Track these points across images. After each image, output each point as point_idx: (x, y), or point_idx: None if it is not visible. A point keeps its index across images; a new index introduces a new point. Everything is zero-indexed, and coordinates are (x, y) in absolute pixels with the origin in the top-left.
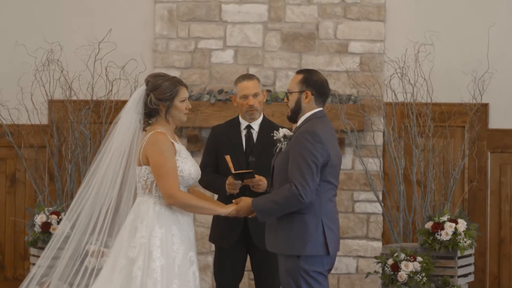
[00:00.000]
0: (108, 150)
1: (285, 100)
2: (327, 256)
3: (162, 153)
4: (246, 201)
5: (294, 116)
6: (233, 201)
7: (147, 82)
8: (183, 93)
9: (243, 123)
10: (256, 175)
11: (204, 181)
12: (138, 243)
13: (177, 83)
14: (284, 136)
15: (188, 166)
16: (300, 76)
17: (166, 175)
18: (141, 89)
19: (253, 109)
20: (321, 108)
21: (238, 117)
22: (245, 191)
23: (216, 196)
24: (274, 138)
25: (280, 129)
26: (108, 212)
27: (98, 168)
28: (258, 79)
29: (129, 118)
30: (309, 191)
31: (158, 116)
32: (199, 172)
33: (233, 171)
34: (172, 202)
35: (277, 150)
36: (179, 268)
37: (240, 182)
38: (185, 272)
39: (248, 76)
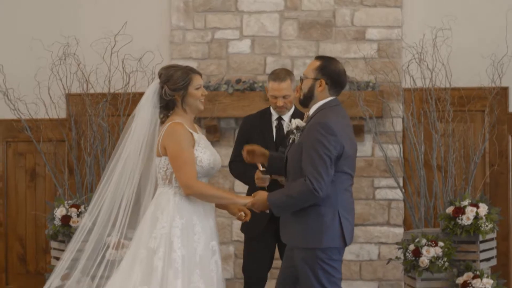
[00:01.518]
0: (126, 144)
1: (298, 85)
2: (340, 248)
3: (179, 143)
4: (261, 195)
5: (305, 101)
6: (252, 194)
7: (160, 74)
8: (197, 80)
9: (274, 114)
10: None
11: (235, 172)
12: (159, 234)
13: (189, 71)
14: (297, 128)
15: (207, 156)
16: (317, 63)
17: (184, 166)
18: (155, 82)
19: (282, 108)
20: (334, 97)
21: (269, 108)
22: (275, 185)
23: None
24: (286, 130)
25: (293, 120)
26: (128, 204)
27: (117, 163)
28: (291, 78)
29: (146, 111)
30: (323, 185)
31: (175, 108)
32: (220, 161)
33: (260, 169)
34: (190, 192)
35: (290, 142)
36: (201, 258)
37: (268, 176)
38: (207, 262)
39: (280, 77)
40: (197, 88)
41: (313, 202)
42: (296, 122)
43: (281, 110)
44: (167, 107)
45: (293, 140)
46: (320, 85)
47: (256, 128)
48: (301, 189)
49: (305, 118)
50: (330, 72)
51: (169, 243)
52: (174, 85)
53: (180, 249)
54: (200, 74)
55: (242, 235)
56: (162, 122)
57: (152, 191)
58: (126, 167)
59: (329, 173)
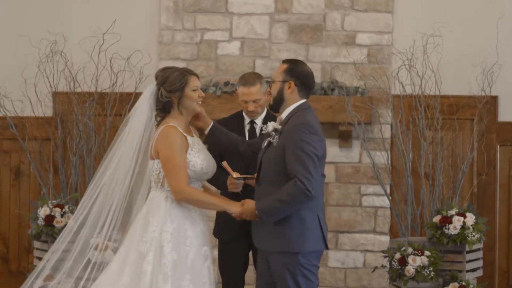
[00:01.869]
0: (120, 146)
1: (267, 89)
2: (321, 252)
3: (171, 147)
4: (249, 204)
5: (275, 105)
6: (241, 202)
7: (157, 76)
8: (193, 82)
9: (247, 118)
10: None
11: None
12: (149, 238)
13: (186, 72)
14: (275, 130)
15: (200, 160)
16: (285, 66)
17: (174, 170)
18: (152, 85)
19: (253, 113)
20: (305, 100)
21: (241, 111)
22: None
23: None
24: (262, 132)
25: (269, 122)
26: (119, 207)
27: (109, 164)
28: (261, 82)
29: (142, 114)
30: (314, 184)
31: (172, 110)
32: (214, 166)
33: (233, 176)
34: (179, 198)
35: (265, 145)
36: (193, 263)
37: (242, 181)
38: (199, 267)
39: (249, 81)
40: (194, 90)
41: (305, 203)
42: (273, 124)
43: (252, 115)
44: (163, 109)
45: (269, 143)
46: (289, 87)
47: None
48: (292, 191)
49: (278, 121)
50: (298, 73)
51: (159, 248)
52: (171, 87)
53: (170, 254)
54: (197, 76)
55: None
56: (158, 125)
57: (146, 194)
58: (118, 169)
59: (318, 172)
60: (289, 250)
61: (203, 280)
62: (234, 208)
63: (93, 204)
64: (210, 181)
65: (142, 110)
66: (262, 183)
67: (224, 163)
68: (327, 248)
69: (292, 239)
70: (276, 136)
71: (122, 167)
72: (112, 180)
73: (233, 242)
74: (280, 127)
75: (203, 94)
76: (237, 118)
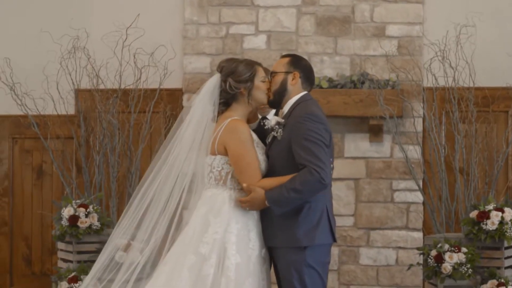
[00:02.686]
0: (175, 145)
1: (267, 84)
2: (330, 245)
3: (243, 143)
4: (258, 192)
5: (277, 98)
6: (244, 185)
7: (221, 68)
8: (261, 72)
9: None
10: None
11: None
12: (211, 239)
13: (253, 63)
14: (278, 123)
15: (263, 156)
16: (287, 59)
17: (248, 168)
18: (214, 77)
19: (264, 108)
20: (307, 92)
21: None
22: None
23: None
24: (265, 127)
25: (271, 117)
26: (176, 206)
27: (163, 165)
28: None
29: (202, 110)
30: (328, 173)
31: (234, 103)
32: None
33: None
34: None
35: (270, 139)
36: (254, 266)
37: None
38: (259, 270)
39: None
40: (263, 81)
41: (319, 192)
42: (276, 118)
43: (263, 110)
44: (226, 103)
45: (273, 138)
46: (293, 78)
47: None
48: (306, 179)
49: (280, 115)
50: (302, 66)
51: (223, 250)
52: (240, 77)
53: (234, 257)
54: (262, 66)
55: None
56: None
57: (199, 192)
58: (174, 168)
59: (329, 160)
60: (297, 245)
61: (262, 283)
62: None
63: (145, 211)
64: None
65: (205, 104)
66: (274, 176)
67: None
68: (335, 241)
69: (300, 233)
70: (280, 130)
71: (178, 164)
72: (166, 180)
73: None
74: (283, 120)
75: (269, 85)
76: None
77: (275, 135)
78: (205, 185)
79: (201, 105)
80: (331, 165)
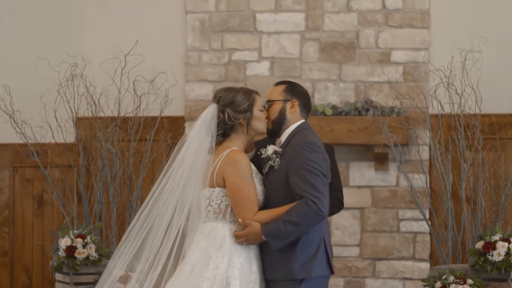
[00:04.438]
0: (170, 181)
1: (264, 113)
2: (328, 276)
3: (242, 175)
4: (254, 227)
5: (276, 128)
6: (239, 220)
7: (218, 98)
8: (259, 101)
9: None
10: None
11: None
12: (212, 274)
13: (251, 91)
14: (275, 153)
15: (260, 185)
16: (283, 86)
17: (245, 201)
18: (211, 108)
19: None
20: (304, 120)
21: None
22: None
23: None
24: (262, 157)
25: (268, 146)
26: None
27: (158, 200)
28: None
29: (198, 142)
30: (326, 203)
31: (232, 133)
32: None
33: None
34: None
35: (267, 169)
36: None
37: None
38: None
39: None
40: (261, 110)
41: (317, 224)
42: (273, 147)
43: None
44: (224, 134)
45: (271, 167)
46: (292, 106)
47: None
48: (303, 211)
49: (278, 144)
50: (299, 93)
51: (226, 285)
52: (239, 107)
53: None
54: (259, 95)
55: None
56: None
57: (195, 225)
58: (169, 205)
59: (327, 190)
60: (293, 277)
61: None
62: None
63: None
64: None
65: (202, 135)
66: (269, 207)
67: None
68: (332, 272)
69: (296, 265)
70: (277, 159)
71: (173, 199)
72: (163, 215)
73: None
74: (280, 149)
75: (267, 114)
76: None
77: (272, 164)
78: (202, 219)
79: (198, 137)
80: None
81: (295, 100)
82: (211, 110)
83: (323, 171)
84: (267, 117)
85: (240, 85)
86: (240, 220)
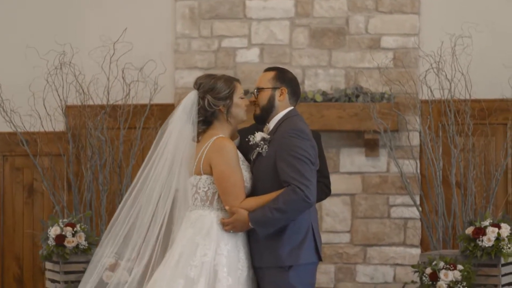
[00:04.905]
0: (155, 163)
1: (252, 98)
2: (315, 264)
3: (229, 161)
4: (241, 214)
5: (264, 114)
6: (226, 207)
7: (199, 84)
8: (240, 89)
9: None
10: None
11: None
12: (200, 262)
13: (231, 79)
14: (264, 139)
15: (248, 173)
16: (272, 73)
17: (233, 189)
18: (191, 94)
19: None
20: (293, 107)
21: None
22: None
23: None
24: (250, 143)
25: (256, 133)
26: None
27: (144, 186)
28: None
29: (179, 129)
30: (313, 190)
31: (215, 121)
32: None
33: None
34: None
35: (255, 156)
36: (243, 287)
37: None
38: None
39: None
40: (241, 97)
41: (304, 211)
42: (261, 134)
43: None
44: (205, 121)
45: (259, 154)
46: (281, 94)
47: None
48: (289, 198)
49: (266, 131)
50: (289, 80)
51: (213, 272)
52: (219, 94)
53: (226, 279)
54: (240, 83)
55: None
56: (198, 138)
57: (182, 214)
58: (154, 192)
59: (315, 178)
60: (281, 264)
61: None
62: None
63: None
64: None
65: (183, 122)
66: (258, 195)
67: None
68: (320, 260)
69: (284, 252)
70: (265, 146)
71: (158, 188)
72: (148, 202)
73: None
74: (268, 136)
75: (248, 102)
76: (259, 127)
77: (260, 151)
78: (189, 207)
79: (179, 123)
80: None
81: (284, 88)
82: (192, 97)
83: (311, 158)
84: (255, 103)
85: (230, 72)
86: (227, 207)
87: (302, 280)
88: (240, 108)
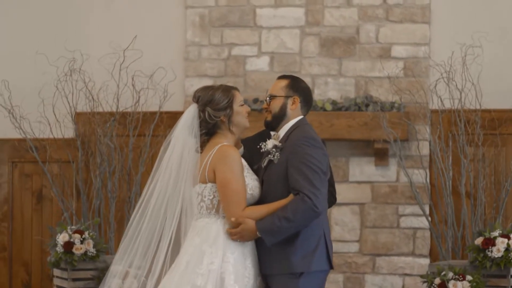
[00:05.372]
0: (160, 181)
1: (265, 105)
2: (327, 272)
3: (231, 169)
4: (248, 223)
5: (275, 122)
6: (232, 219)
7: (198, 97)
8: (239, 97)
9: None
10: None
11: None
12: (207, 270)
13: (229, 88)
14: (275, 147)
15: (253, 181)
16: (286, 81)
17: (234, 196)
18: (191, 108)
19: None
20: (303, 116)
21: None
22: None
23: None
24: (262, 150)
25: (268, 140)
26: (169, 243)
27: (149, 200)
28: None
29: (182, 143)
30: (322, 200)
31: (218, 131)
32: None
33: None
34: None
35: (266, 163)
36: None
37: None
38: None
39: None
40: (241, 105)
41: (312, 221)
42: (273, 141)
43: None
44: (208, 133)
45: (269, 162)
46: (293, 103)
47: (255, 151)
48: (298, 207)
49: (276, 139)
50: (302, 89)
51: (220, 280)
52: (218, 105)
53: (232, 286)
54: (239, 91)
55: None
56: (202, 148)
57: (189, 224)
58: (160, 205)
59: (325, 187)
60: (292, 271)
61: None
62: None
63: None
64: None
65: (185, 136)
66: (268, 202)
67: None
68: (331, 268)
69: (296, 259)
70: (277, 154)
71: (164, 201)
72: (158, 216)
73: None
74: (280, 144)
75: (249, 109)
76: (264, 135)
77: (272, 158)
78: (195, 216)
79: (181, 138)
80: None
81: (296, 97)
82: (192, 110)
83: (322, 167)
84: (267, 110)
85: (239, 80)
86: (233, 219)
87: (312, 287)
88: (241, 116)
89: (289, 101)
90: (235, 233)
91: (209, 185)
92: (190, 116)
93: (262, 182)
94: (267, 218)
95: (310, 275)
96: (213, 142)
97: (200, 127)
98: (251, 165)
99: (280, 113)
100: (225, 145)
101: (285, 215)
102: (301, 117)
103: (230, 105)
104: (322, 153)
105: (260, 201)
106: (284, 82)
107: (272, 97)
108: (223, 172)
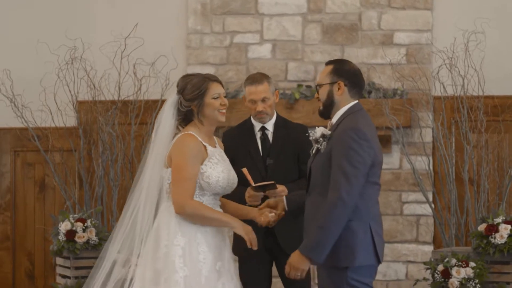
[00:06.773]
0: (148, 160)
1: (316, 95)
2: (374, 266)
3: (184, 156)
4: (293, 257)
5: (326, 111)
6: (286, 268)
7: (177, 85)
8: (214, 89)
9: (257, 125)
10: (277, 185)
11: None
12: (162, 254)
13: (206, 79)
14: (323, 136)
15: (217, 172)
16: (330, 67)
17: (182, 181)
18: (174, 94)
19: (262, 114)
20: (357, 101)
21: (250, 119)
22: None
23: None
24: (310, 138)
25: (317, 128)
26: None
27: (140, 180)
28: (268, 81)
29: (167, 126)
30: (352, 193)
31: (193, 119)
32: (234, 181)
33: (252, 184)
34: (180, 211)
35: (314, 151)
36: (206, 280)
37: (261, 193)
38: (213, 284)
39: (256, 80)
40: (215, 98)
41: (345, 214)
42: (321, 130)
43: (262, 116)
44: (185, 119)
45: (318, 150)
46: (339, 88)
47: (238, 142)
48: (325, 209)
49: (329, 127)
50: (346, 72)
51: (171, 263)
52: (189, 95)
53: (182, 270)
54: (220, 82)
55: None
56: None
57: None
58: (151, 183)
59: (360, 182)
60: (337, 264)
61: None
62: (237, 224)
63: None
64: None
65: (167, 121)
66: (312, 192)
67: (244, 170)
68: (379, 262)
69: (340, 252)
70: (324, 143)
71: (155, 181)
72: (146, 198)
73: (253, 259)
74: (329, 132)
75: (226, 102)
76: (246, 126)
77: (319, 147)
78: (161, 199)
79: (164, 123)
80: (378, 183)
81: (341, 81)
82: (172, 97)
83: (363, 162)
84: (318, 99)
85: (242, 68)
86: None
87: (359, 279)
88: (211, 109)
89: (335, 87)
90: (288, 270)
91: (169, 170)
92: (171, 102)
93: (310, 171)
94: (306, 240)
95: (355, 269)
96: (184, 130)
97: (177, 114)
98: (236, 155)
99: (328, 101)
100: (187, 133)
101: (318, 224)
102: (354, 102)
103: (201, 96)
104: (367, 146)
105: (309, 190)
106: (328, 68)
107: (319, 85)
108: (176, 157)
